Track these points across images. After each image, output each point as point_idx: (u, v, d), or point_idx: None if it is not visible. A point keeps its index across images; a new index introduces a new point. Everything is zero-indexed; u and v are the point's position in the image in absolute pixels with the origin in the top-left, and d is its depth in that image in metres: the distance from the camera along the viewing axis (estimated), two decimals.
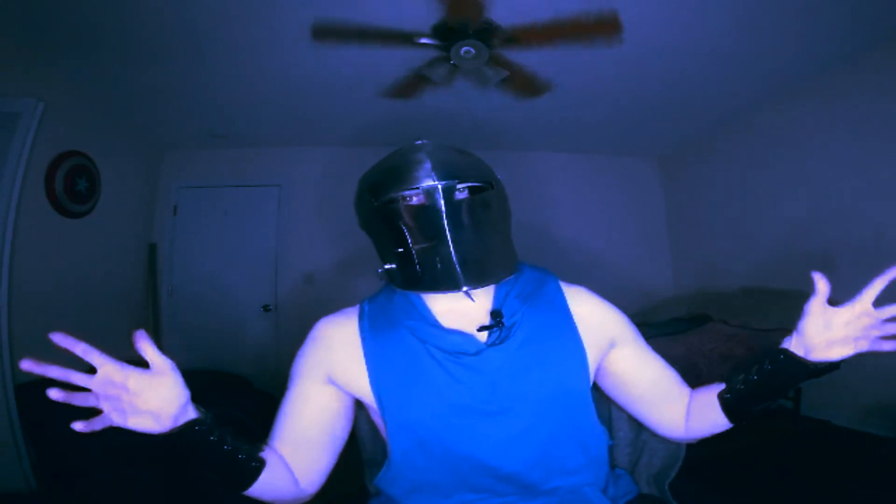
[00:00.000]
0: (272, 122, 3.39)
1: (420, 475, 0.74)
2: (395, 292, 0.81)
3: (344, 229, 3.67)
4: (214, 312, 3.66)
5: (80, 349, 0.54)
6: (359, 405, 0.83)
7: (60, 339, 0.52)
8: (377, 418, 0.79)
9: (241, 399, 2.86)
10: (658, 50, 2.49)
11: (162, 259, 3.64)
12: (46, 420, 2.04)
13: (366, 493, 0.91)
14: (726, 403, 0.73)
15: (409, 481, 0.75)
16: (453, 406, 0.72)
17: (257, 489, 0.68)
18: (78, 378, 0.54)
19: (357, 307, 0.83)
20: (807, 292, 0.66)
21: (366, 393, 0.75)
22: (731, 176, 3.58)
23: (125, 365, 0.57)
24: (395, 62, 2.45)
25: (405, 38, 2.15)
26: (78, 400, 0.54)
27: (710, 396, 0.76)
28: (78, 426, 0.53)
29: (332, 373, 0.77)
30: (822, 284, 0.65)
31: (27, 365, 0.51)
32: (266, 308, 3.72)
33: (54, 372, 0.52)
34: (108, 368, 0.56)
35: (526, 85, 2.54)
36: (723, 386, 0.75)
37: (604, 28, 2.09)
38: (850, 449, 2.34)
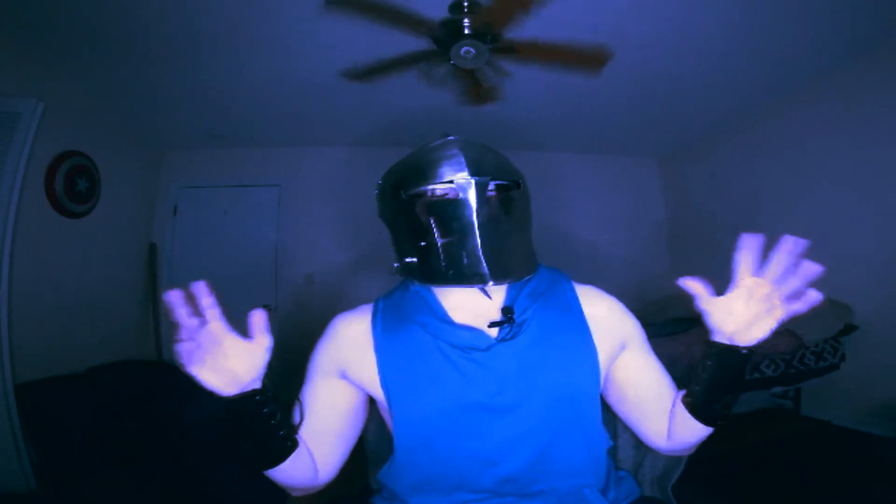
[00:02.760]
0: (272, 122, 3.39)
1: (422, 473, 0.74)
2: (409, 289, 0.82)
3: (344, 229, 3.69)
4: None
5: (207, 302, 0.62)
6: (371, 401, 0.84)
7: (197, 288, 0.61)
8: (386, 414, 0.79)
9: None
10: (658, 50, 2.49)
11: (162, 259, 3.64)
12: (46, 420, 2.04)
13: (368, 491, 0.91)
14: (690, 406, 0.73)
15: (411, 478, 0.75)
16: (460, 403, 0.72)
17: (282, 469, 0.70)
18: (192, 322, 0.61)
19: (372, 304, 0.84)
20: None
21: (375, 388, 0.76)
22: (731, 176, 3.57)
23: (231, 329, 0.64)
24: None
25: (416, 22, 2.04)
26: (183, 331, 0.61)
27: (679, 404, 0.76)
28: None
29: (344, 368, 0.78)
30: (693, 286, 0.68)
31: (171, 296, 0.60)
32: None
33: (180, 311, 0.60)
34: (217, 325, 0.63)
35: (480, 94, 2.55)
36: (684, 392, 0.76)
37: (592, 60, 2.22)
38: (850, 449, 2.34)
